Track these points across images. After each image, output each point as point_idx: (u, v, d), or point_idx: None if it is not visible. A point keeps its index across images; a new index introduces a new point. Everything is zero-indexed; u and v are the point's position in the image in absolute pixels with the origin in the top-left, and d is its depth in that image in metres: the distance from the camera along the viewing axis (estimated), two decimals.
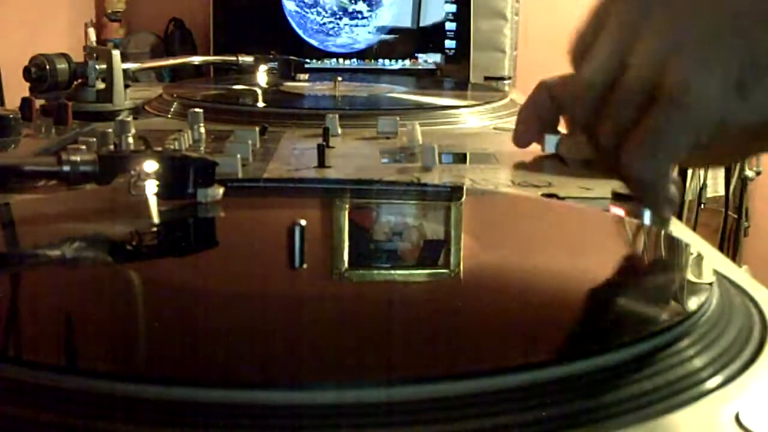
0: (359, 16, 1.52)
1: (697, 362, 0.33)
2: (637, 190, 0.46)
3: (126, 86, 0.95)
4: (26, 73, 0.92)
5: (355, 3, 1.52)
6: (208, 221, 0.53)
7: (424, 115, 0.94)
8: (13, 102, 0.93)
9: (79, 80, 0.93)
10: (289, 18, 1.52)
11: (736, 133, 0.43)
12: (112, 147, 0.71)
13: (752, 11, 0.41)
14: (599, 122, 0.46)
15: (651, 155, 0.44)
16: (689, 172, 2.03)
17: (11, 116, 0.76)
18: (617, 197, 0.52)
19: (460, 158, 0.77)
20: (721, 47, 0.41)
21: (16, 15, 1.30)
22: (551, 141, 0.70)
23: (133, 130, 0.75)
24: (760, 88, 0.41)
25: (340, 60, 1.52)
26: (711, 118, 0.42)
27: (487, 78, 1.47)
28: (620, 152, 0.44)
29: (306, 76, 1.22)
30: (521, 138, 0.73)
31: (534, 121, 0.72)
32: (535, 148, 0.75)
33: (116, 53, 0.94)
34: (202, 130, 0.80)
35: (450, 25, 1.51)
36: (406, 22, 1.53)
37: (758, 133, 0.44)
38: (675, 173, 0.55)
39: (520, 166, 0.72)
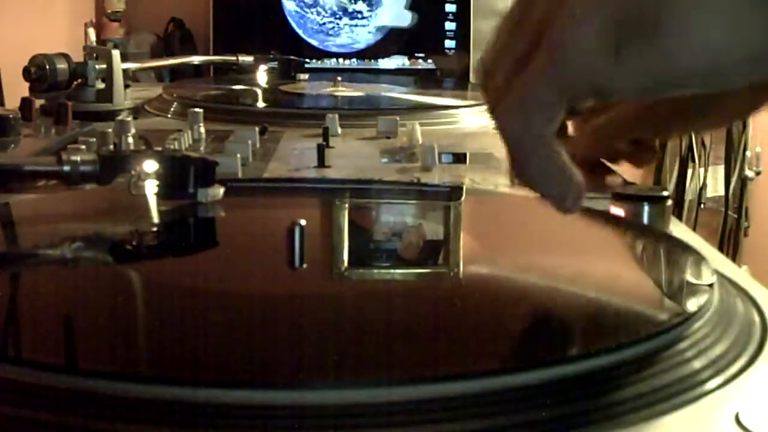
0: (359, 16, 1.52)
1: (697, 363, 0.33)
2: (518, 165, 0.41)
3: (126, 86, 0.95)
4: (26, 73, 0.92)
5: (355, 3, 1.52)
6: (209, 221, 0.53)
7: (424, 115, 0.94)
8: (13, 102, 0.93)
9: (79, 80, 0.93)
10: (289, 18, 1.52)
11: (618, 102, 0.44)
12: (112, 147, 0.71)
13: None
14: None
15: (518, 111, 0.40)
16: (689, 172, 2.03)
17: (11, 116, 0.76)
18: (617, 197, 0.52)
19: (460, 158, 0.77)
20: (598, 3, 0.38)
21: (16, 15, 1.30)
22: None
23: (133, 130, 0.75)
24: (634, 50, 0.37)
25: (340, 60, 1.52)
26: (582, 79, 0.39)
27: None
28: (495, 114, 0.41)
29: (306, 76, 1.22)
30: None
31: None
32: None
33: (116, 53, 0.94)
34: (202, 130, 0.80)
35: (450, 25, 1.51)
36: (406, 22, 1.53)
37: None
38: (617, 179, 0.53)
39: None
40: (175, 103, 0.97)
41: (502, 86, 0.41)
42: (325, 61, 1.51)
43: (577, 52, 0.38)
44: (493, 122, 0.40)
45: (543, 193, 0.40)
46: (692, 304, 0.37)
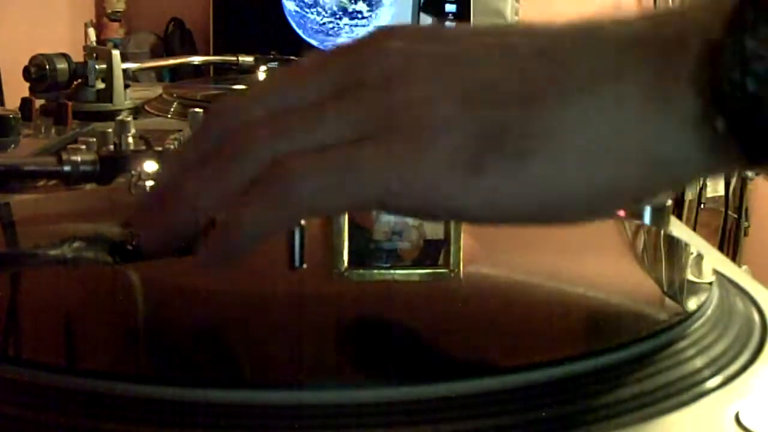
0: (359, 16, 1.52)
1: (698, 362, 0.33)
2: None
3: (126, 86, 0.95)
4: (26, 73, 0.92)
5: (355, 3, 1.52)
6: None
7: None
8: (13, 102, 0.93)
9: (79, 80, 0.93)
10: (289, 18, 1.52)
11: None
12: (112, 147, 0.71)
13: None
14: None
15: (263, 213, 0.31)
16: None
17: (11, 116, 0.76)
18: None
19: None
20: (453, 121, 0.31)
21: (16, 15, 1.30)
22: None
23: (133, 130, 0.75)
24: (495, 172, 0.30)
25: None
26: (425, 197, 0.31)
27: None
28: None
29: None
30: None
31: None
32: None
33: (116, 53, 0.94)
34: None
35: (450, 25, 1.51)
36: (406, 22, 1.53)
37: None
38: None
39: None
40: (175, 103, 0.97)
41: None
42: None
43: (425, 169, 0.30)
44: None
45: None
46: (692, 304, 0.37)
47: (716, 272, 0.41)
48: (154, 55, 1.59)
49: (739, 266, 0.57)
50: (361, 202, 0.31)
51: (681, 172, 0.30)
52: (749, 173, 2.02)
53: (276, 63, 1.21)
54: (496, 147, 0.30)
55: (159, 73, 1.46)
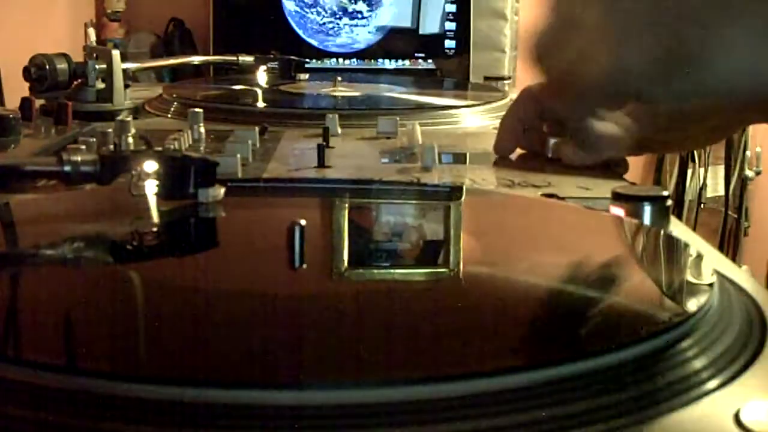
0: (359, 16, 1.52)
1: (698, 363, 0.33)
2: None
3: (126, 86, 0.95)
4: (26, 73, 0.92)
5: (355, 3, 1.52)
6: (209, 221, 0.53)
7: (424, 115, 0.94)
8: (13, 102, 0.93)
9: (79, 80, 0.93)
10: (289, 18, 1.52)
11: (660, 114, 0.58)
12: (112, 147, 0.71)
13: (676, 5, 0.49)
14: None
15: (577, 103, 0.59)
16: (689, 172, 2.03)
17: (11, 116, 0.76)
18: (617, 197, 0.52)
19: (460, 158, 0.77)
20: (645, 36, 0.49)
21: (16, 15, 1.30)
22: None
23: (133, 130, 0.75)
24: (678, 76, 0.49)
25: (340, 60, 1.52)
26: (627, 90, 0.52)
27: (487, 78, 1.47)
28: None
29: (306, 76, 1.22)
30: (504, 146, 0.74)
31: (518, 128, 0.73)
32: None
33: (116, 53, 0.94)
34: (202, 130, 0.80)
35: (450, 25, 1.51)
36: (406, 22, 1.53)
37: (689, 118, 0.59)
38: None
39: (500, 164, 0.72)
40: (175, 103, 0.97)
41: (557, 76, 0.56)
42: (325, 61, 1.51)
43: (628, 73, 0.50)
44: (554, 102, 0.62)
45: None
46: (692, 304, 0.37)
47: (716, 272, 0.41)
48: (154, 55, 1.60)
49: (739, 266, 0.57)
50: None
51: None
52: (749, 173, 2.02)
53: (276, 63, 1.20)
54: (679, 61, 0.48)
55: (159, 73, 1.46)
